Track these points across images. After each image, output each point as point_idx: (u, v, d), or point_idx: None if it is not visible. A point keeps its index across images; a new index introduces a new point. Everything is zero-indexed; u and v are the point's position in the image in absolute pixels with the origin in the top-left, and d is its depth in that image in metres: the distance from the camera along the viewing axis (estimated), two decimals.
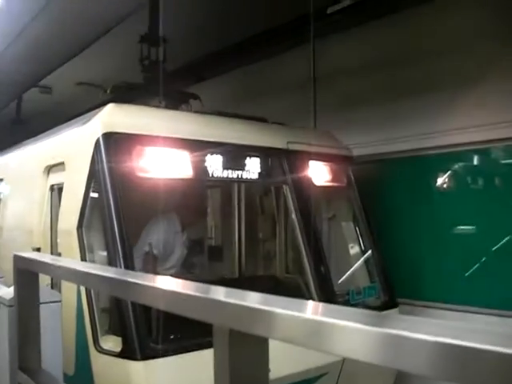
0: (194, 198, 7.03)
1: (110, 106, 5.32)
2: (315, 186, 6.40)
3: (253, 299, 1.47)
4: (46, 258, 3.17)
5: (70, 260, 4.58)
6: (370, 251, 6.77)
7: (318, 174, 6.51)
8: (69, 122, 6.61)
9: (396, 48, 7.64)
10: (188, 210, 6.86)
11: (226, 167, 5.67)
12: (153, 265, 6.07)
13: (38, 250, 5.83)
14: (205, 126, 5.81)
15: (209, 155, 5.52)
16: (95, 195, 5.07)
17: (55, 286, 5.58)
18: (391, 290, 6.64)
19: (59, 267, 2.62)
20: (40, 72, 9.48)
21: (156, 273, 5.95)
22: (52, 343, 3.43)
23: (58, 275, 3.24)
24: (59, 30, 7.51)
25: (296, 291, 6.08)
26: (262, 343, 1.48)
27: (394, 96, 7.63)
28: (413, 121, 7.35)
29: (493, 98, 6.51)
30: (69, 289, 5.00)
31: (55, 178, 6.13)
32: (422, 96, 7.22)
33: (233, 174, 5.77)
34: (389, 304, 6.46)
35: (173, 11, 7.22)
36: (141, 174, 5.11)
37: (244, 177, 5.88)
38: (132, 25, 7.27)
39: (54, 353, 3.61)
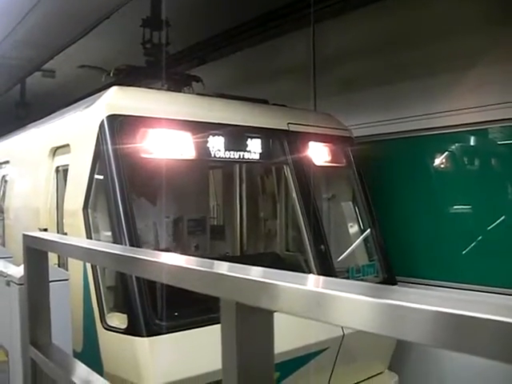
0: (198, 179, 7.05)
1: (114, 89, 5.32)
2: (315, 166, 6.41)
3: (258, 273, 1.49)
4: (54, 236, 3.20)
5: (78, 239, 4.60)
6: (369, 230, 6.80)
7: (318, 154, 6.52)
8: (73, 105, 6.61)
9: (395, 30, 7.58)
10: (191, 190, 6.89)
11: (227, 148, 5.69)
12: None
13: (45, 230, 5.86)
14: (207, 108, 5.81)
15: (211, 136, 5.53)
16: (100, 176, 5.08)
17: (62, 266, 5.61)
18: (390, 267, 6.67)
19: (68, 245, 2.65)
20: (43, 56, 9.42)
21: None
22: (61, 320, 3.47)
23: (67, 253, 3.26)
24: (61, 15, 7.46)
25: (296, 268, 6.13)
26: (267, 316, 1.50)
27: (393, 78, 7.60)
28: (412, 102, 7.33)
29: (492, 79, 6.49)
30: (75, 269, 5.02)
31: (61, 160, 6.15)
32: (422, 77, 7.20)
33: (235, 154, 5.80)
34: (387, 282, 6.49)
35: None
36: (144, 155, 5.13)
37: (246, 157, 5.91)
38: (134, 7, 7.21)
39: (64, 329, 3.65)
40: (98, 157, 5.03)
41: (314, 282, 1.44)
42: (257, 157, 6.02)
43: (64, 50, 8.84)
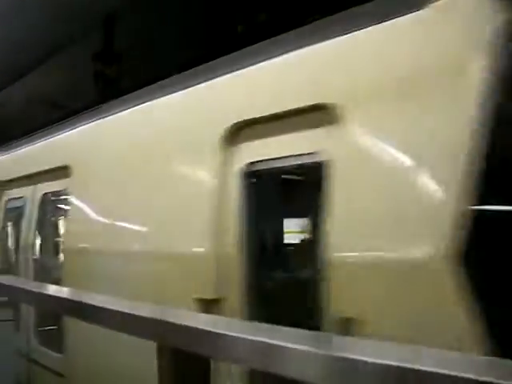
0: None
1: None
2: None
3: (199, 320, 1.48)
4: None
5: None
6: None
7: None
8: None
9: None
10: None
11: None
12: None
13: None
14: None
15: None
16: None
17: None
18: None
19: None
20: None
21: None
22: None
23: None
24: (6, 51, 7.49)
25: None
26: (204, 363, 1.51)
27: None
28: None
29: None
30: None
31: (253, 152, 3.52)
32: None
33: None
34: None
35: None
36: None
37: None
38: (85, 42, 7.22)
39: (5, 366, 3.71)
40: None
41: (254, 331, 1.44)
42: None
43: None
